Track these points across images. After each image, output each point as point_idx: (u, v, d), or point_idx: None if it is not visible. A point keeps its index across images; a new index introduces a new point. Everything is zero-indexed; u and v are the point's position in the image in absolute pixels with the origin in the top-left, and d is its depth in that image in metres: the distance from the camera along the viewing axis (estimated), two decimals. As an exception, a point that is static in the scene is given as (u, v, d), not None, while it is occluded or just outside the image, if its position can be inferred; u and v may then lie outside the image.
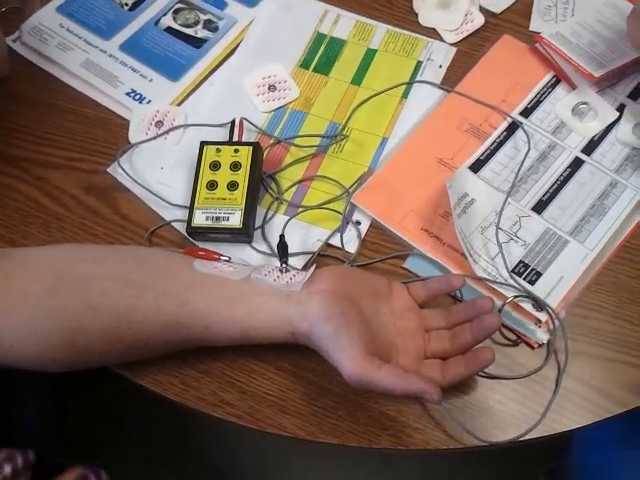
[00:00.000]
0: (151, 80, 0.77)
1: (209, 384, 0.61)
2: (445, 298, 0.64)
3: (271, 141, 0.73)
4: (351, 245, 0.67)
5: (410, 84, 0.76)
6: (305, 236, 0.68)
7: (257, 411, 0.60)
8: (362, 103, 0.75)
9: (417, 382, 0.53)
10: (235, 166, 0.67)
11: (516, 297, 0.62)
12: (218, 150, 0.68)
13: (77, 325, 0.55)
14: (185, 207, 0.68)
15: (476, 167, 0.70)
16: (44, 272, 0.56)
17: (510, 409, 0.60)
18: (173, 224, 0.69)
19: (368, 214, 0.68)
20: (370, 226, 0.68)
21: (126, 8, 0.82)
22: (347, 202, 0.68)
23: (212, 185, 0.67)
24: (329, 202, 0.69)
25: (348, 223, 0.68)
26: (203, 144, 0.69)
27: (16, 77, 0.78)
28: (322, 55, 0.79)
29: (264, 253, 0.67)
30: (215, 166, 0.67)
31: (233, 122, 0.72)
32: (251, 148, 0.68)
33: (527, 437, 0.59)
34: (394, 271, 0.66)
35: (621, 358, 0.61)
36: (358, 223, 0.68)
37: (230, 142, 0.70)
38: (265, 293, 0.57)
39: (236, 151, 0.68)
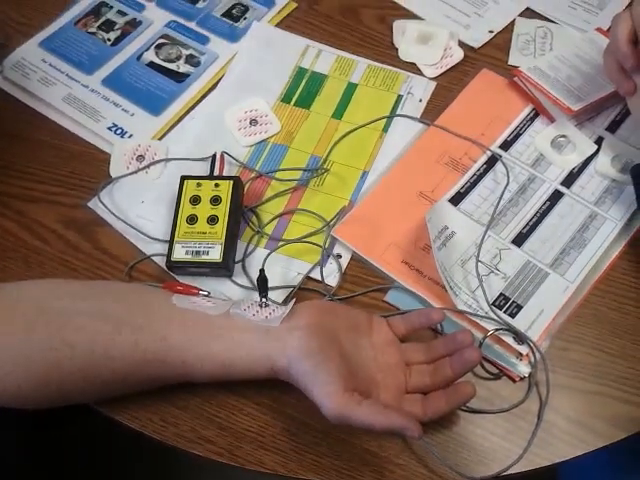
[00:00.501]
0: (133, 114, 0.78)
1: (188, 420, 0.61)
2: (426, 331, 0.64)
3: (252, 175, 0.74)
4: (332, 278, 0.67)
5: (390, 118, 0.77)
6: (286, 269, 0.68)
7: (237, 447, 0.60)
8: (343, 137, 0.76)
9: (397, 418, 0.52)
10: (215, 200, 0.67)
11: (497, 330, 0.62)
12: (199, 184, 0.68)
13: (54, 362, 0.54)
14: (165, 241, 0.67)
15: (456, 200, 0.71)
16: (22, 308, 0.56)
17: (492, 443, 0.59)
18: (153, 258, 0.69)
19: (349, 247, 0.68)
20: (351, 259, 0.68)
21: (109, 43, 0.83)
22: (327, 235, 0.68)
23: (192, 219, 0.66)
24: (310, 235, 0.69)
25: (329, 256, 0.68)
26: (183, 178, 0.69)
27: (-2, 111, 0.78)
28: (303, 89, 0.80)
29: (244, 287, 0.66)
30: (195, 200, 0.67)
31: (214, 156, 0.72)
32: (232, 182, 0.68)
33: (510, 472, 0.58)
34: (375, 304, 0.66)
35: (602, 391, 0.61)
36: (339, 256, 0.68)
37: (211, 176, 0.70)
38: (244, 329, 0.56)
39: (217, 185, 0.68)
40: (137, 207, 0.72)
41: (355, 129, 0.76)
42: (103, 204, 0.71)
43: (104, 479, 1.01)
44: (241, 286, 0.66)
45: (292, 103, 0.79)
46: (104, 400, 0.60)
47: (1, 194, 0.73)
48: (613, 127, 0.75)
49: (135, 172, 0.73)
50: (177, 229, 0.66)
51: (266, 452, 0.59)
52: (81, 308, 0.56)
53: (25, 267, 0.69)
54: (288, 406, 0.61)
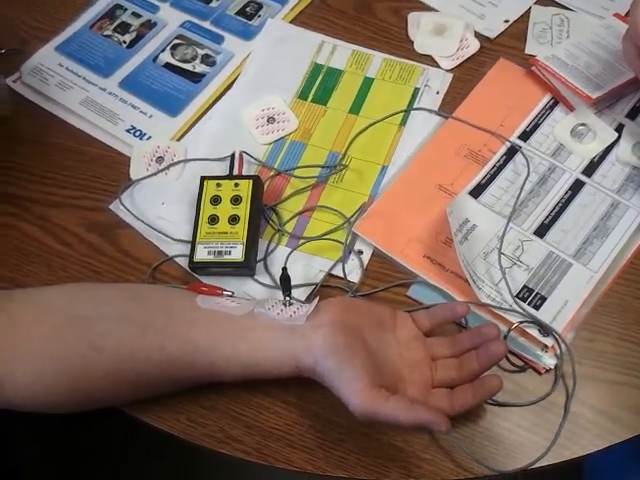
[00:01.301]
0: (151, 116, 0.78)
1: (215, 420, 0.61)
2: (450, 326, 0.64)
3: (271, 173, 0.74)
4: (354, 275, 0.67)
5: (408, 111, 0.77)
6: (307, 267, 0.68)
7: (264, 446, 0.60)
8: (360, 132, 0.76)
9: (425, 413, 0.52)
10: (236, 200, 0.67)
11: (521, 323, 0.62)
12: (218, 185, 0.68)
13: (82, 367, 0.55)
14: (187, 242, 0.68)
15: (476, 192, 0.70)
16: (47, 314, 0.56)
17: (519, 437, 0.59)
18: (176, 259, 0.69)
19: (370, 243, 0.68)
20: (372, 255, 0.68)
21: (124, 45, 0.83)
22: (348, 232, 0.68)
23: (213, 220, 0.67)
24: (330, 232, 0.69)
25: (350, 253, 0.68)
26: (203, 179, 0.69)
27: (17, 117, 0.79)
28: (320, 85, 0.80)
29: (267, 286, 0.67)
30: (216, 200, 0.68)
31: (233, 155, 0.72)
32: (251, 181, 0.68)
33: (537, 465, 0.58)
34: (398, 300, 0.66)
35: (629, 381, 0.61)
36: (360, 252, 0.68)
37: (230, 176, 0.70)
38: (269, 328, 0.57)
39: (236, 185, 0.68)
40: (158, 208, 0.72)
41: (373, 124, 0.76)
42: (124, 206, 0.72)
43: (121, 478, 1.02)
44: (264, 285, 0.67)
45: (309, 100, 0.79)
46: (132, 403, 0.61)
47: (23, 199, 0.74)
48: (633, 114, 0.74)
49: (155, 174, 0.74)
50: (199, 230, 0.66)
51: (294, 450, 0.60)
52: (106, 312, 0.57)
53: (49, 271, 0.69)
54: (314, 403, 0.61)
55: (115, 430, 0.90)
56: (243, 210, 0.67)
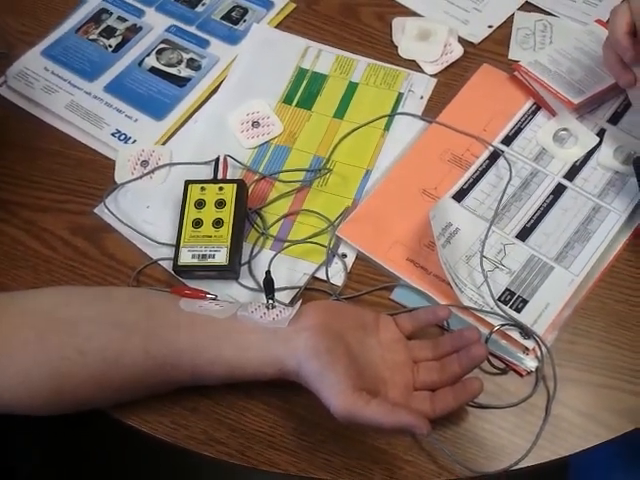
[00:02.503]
0: (136, 120, 0.78)
1: (199, 422, 0.61)
2: (433, 328, 0.64)
3: (256, 177, 0.74)
4: (337, 278, 0.67)
5: (392, 116, 0.77)
6: (291, 270, 0.68)
7: (248, 448, 0.60)
8: (345, 137, 0.76)
9: (405, 416, 0.53)
10: (220, 204, 0.68)
11: (503, 325, 0.63)
12: (203, 189, 0.69)
13: (66, 370, 0.55)
14: (172, 245, 0.68)
15: (459, 196, 0.71)
16: (32, 317, 0.56)
17: (501, 438, 0.60)
18: (160, 262, 0.69)
19: (354, 246, 0.69)
20: (356, 258, 0.69)
21: (110, 50, 0.83)
22: (332, 235, 0.69)
23: (197, 223, 0.67)
24: (315, 236, 0.70)
25: (334, 256, 0.68)
26: (188, 183, 0.69)
27: (2, 121, 0.79)
28: (304, 90, 0.80)
29: (251, 289, 0.67)
30: (200, 204, 0.68)
31: (217, 159, 0.72)
32: (235, 185, 0.69)
33: (519, 466, 0.58)
34: (381, 303, 0.66)
35: (610, 383, 0.61)
36: (344, 256, 0.69)
37: (214, 180, 0.70)
38: (252, 331, 0.57)
39: (220, 189, 0.68)
40: (143, 212, 0.72)
41: (357, 128, 0.77)
42: (109, 210, 0.72)
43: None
44: (248, 288, 0.67)
45: (294, 104, 0.79)
46: (116, 405, 0.61)
47: (9, 203, 0.74)
48: (615, 119, 0.75)
49: (140, 177, 0.74)
50: (183, 233, 0.67)
51: (277, 452, 0.60)
52: (90, 315, 0.57)
53: (34, 275, 0.70)
54: (298, 406, 0.61)
55: (114, 432, 0.90)
56: (227, 214, 0.67)
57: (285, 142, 0.77)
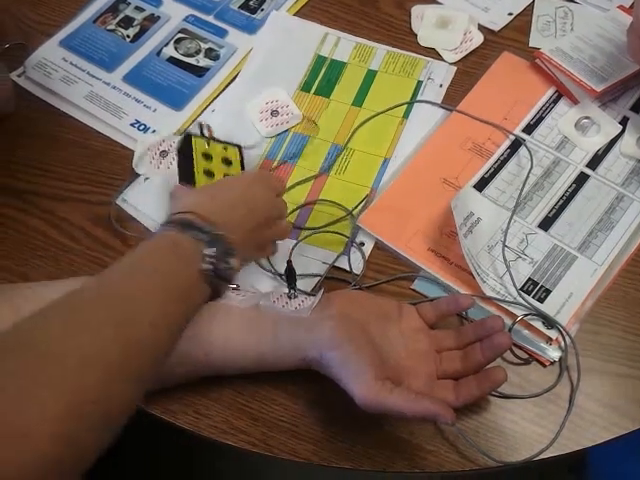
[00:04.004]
0: (155, 110, 0.78)
1: (221, 412, 0.61)
2: (454, 318, 0.64)
3: (274, 164, 0.74)
4: (355, 267, 0.67)
5: (411, 104, 0.77)
6: (309, 259, 0.68)
7: (270, 437, 0.60)
8: (362, 124, 0.76)
9: (429, 405, 0.52)
10: (226, 161, 0.67)
11: (526, 315, 0.62)
12: (208, 144, 0.68)
13: None
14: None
15: (481, 186, 0.70)
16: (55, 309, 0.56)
17: (524, 429, 0.59)
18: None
19: (372, 235, 0.68)
20: (374, 247, 0.68)
21: (128, 40, 0.83)
22: (353, 225, 0.68)
23: (209, 174, 0.66)
24: (332, 224, 0.69)
25: (352, 245, 0.68)
26: (189, 135, 0.68)
27: (21, 111, 0.79)
28: (323, 78, 0.80)
29: (270, 272, 0.66)
30: (208, 157, 0.67)
31: (201, 125, 0.71)
32: (237, 149, 0.69)
33: (542, 456, 0.58)
34: (402, 292, 0.66)
35: (634, 373, 0.61)
36: (362, 244, 0.68)
37: (217, 139, 0.70)
38: (274, 321, 0.57)
39: (225, 148, 0.68)
40: (163, 201, 0.72)
41: (375, 116, 0.76)
42: (129, 201, 0.72)
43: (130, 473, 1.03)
44: (267, 271, 0.67)
45: (312, 92, 0.79)
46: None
47: (29, 193, 0.74)
48: (638, 107, 0.74)
49: (158, 167, 0.74)
50: (196, 181, 0.65)
51: (299, 441, 0.60)
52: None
53: (55, 265, 0.70)
54: (320, 395, 0.61)
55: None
56: (236, 172, 0.67)
57: (303, 130, 0.76)
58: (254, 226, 0.56)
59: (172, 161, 0.74)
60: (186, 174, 0.65)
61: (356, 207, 0.70)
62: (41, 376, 0.36)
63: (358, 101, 0.78)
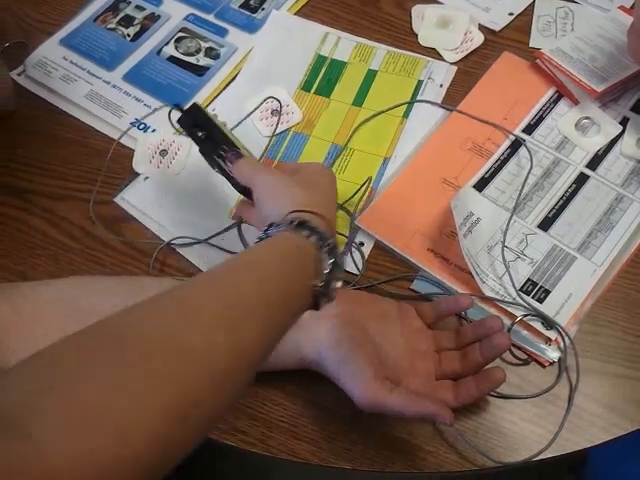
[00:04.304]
0: (155, 109, 0.78)
1: (220, 412, 0.61)
2: (453, 318, 0.64)
3: (274, 164, 0.74)
4: (354, 267, 0.67)
5: (411, 103, 0.77)
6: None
7: (269, 437, 0.60)
8: (363, 122, 0.76)
9: (428, 405, 0.53)
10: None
11: (525, 316, 0.62)
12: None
13: None
14: (191, 237, 0.68)
15: (480, 186, 0.70)
16: (53, 307, 0.56)
17: (523, 429, 0.59)
18: (180, 252, 0.69)
19: (371, 235, 0.68)
20: (373, 247, 0.68)
21: (128, 39, 0.83)
22: (352, 225, 0.68)
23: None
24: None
25: (352, 245, 0.68)
26: (196, 104, 0.64)
27: (21, 110, 0.79)
28: (323, 77, 0.80)
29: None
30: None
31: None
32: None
33: (540, 457, 0.58)
34: (400, 292, 0.66)
35: (633, 374, 0.61)
36: (361, 244, 0.68)
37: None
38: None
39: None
40: (162, 201, 0.72)
41: (375, 115, 0.76)
42: (128, 200, 0.72)
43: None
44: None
45: (312, 91, 0.79)
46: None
47: (28, 192, 0.74)
48: (638, 107, 0.74)
49: (158, 167, 0.74)
50: (237, 145, 0.61)
51: (298, 441, 0.60)
52: (112, 305, 0.57)
53: (54, 264, 0.70)
54: (318, 395, 0.61)
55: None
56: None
57: (303, 130, 0.76)
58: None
59: (172, 160, 0.74)
60: (219, 142, 0.61)
61: (353, 196, 0.70)
62: (144, 370, 0.34)
63: (358, 101, 0.78)
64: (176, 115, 0.63)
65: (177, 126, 0.64)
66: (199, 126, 0.62)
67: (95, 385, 0.33)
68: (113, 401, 0.33)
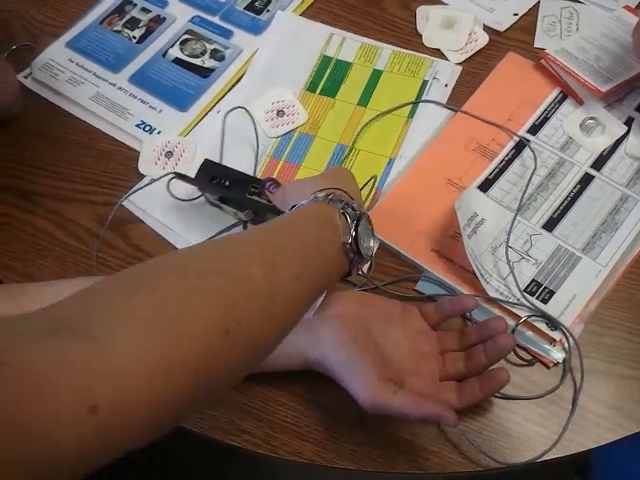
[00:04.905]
0: (160, 111, 0.78)
1: (225, 413, 0.62)
2: (457, 319, 0.64)
3: (279, 165, 0.74)
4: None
5: (416, 103, 0.77)
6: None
7: (273, 438, 0.60)
8: (369, 122, 0.76)
9: (432, 406, 0.53)
10: None
11: (529, 317, 0.62)
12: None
13: None
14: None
15: (485, 186, 0.70)
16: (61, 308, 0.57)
17: (527, 430, 0.59)
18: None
19: (377, 237, 0.68)
20: (379, 248, 0.68)
21: (134, 41, 0.83)
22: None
23: None
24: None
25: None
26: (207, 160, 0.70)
27: (28, 112, 0.80)
28: (328, 78, 0.80)
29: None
30: None
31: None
32: None
33: (545, 458, 0.58)
34: (405, 294, 0.66)
35: (638, 375, 0.61)
36: (367, 245, 0.68)
37: None
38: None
39: None
40: (167, 202, 0.72)
41: (379, 115, 0.76)
42: (134, 201, 0.72)
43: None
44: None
45: (317, 92, 0.79)
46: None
47: (34, 194, 0.75)
48: (643, 107, 0.74)
49: (164, 169, 0.74)
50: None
51: (303, 442, 0.60)
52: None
53: (61, 265, 0.70)
54: (323, 396, 0.61)
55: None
56: None
57: (309, 130, 0.76)
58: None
59: (177, 162, 0.74)
60: (248, 181, 0.67)
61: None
62: (194, 287, 0.39)
63: (363, 101, 0.78)
64: (177, 184, 0.70)
65: (181, 195, 0.71)
66: (218, 177, 0.66)
67: (152, 297, 0.37)
68: (168, 310, 0.36)
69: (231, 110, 0.78)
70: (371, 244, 0.54)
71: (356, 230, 0.51)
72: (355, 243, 0.51)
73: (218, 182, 0.66)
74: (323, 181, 0.57)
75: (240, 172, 0.68)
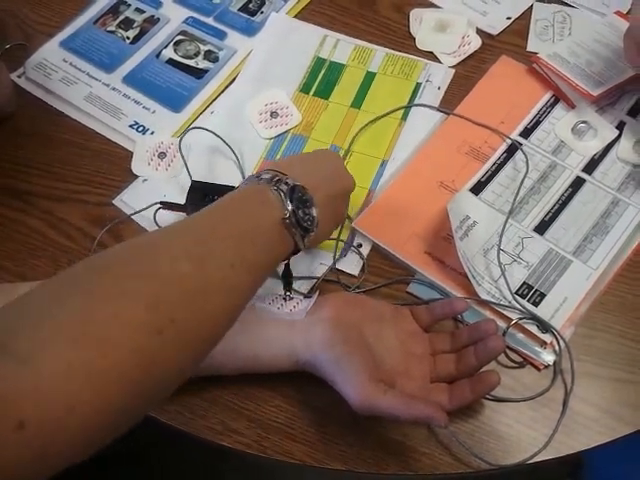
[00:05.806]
0: (154, 112, 0.78)
1: (217, 413, 0.61)
2: (449, 321, 0.64)
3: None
4: (352, 269, 0.67)
5: (409, 107, 0.77)
6: (305, 260, 0.68)
7: (264, 438, 0.60)
8: (363, 128, 0.76)
9: (423, 407, 0.53)
10: None
11: (520, 319, 0.62)
12: None
13: None
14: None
15: (477, 189, 0.71)
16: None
17: (517, 432, 0.59)
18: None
19: (370, 238, 0.68)
20: (371, 249, 0.68)
21: (128, 41, 0.83)
22: (349, 227, 0.69)
23: None
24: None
25: (350, 247, 0.68)
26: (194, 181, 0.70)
27: (21, 112, 0.79)
28: (322, 79, 0.80)
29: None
30: None
31: None
32: None
33: (535, 459, 0.58)
34: (398, 295, 0.66)
35: (628, 377, 0.61)
36: (359, 246, 0.69)
37: None
38: (269, 322, 0.57)
39: None
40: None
41: (374, 120, 0.76)
42: (127, 202, 0.72)
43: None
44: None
45: (311, 93, 0.79)
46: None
47: (27, 193, 0.74)
48: (635, 111, 0.74)
49: (157, 169, 0.74)
50: None
51: (294, 443, 0.60)
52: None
53: (53, 265, 0.70)
54: (314, 397, 0.61)
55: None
56: None
57: (302, 131, 0.77)
58: (336, 193, 0.58)
59: (170, 163, 0.74)
60: None
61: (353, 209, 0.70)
62: (118, 290, 0.38)
63: (357, 103, 0.78)
64: (160, 214, 0.69)
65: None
66: (210, 194, 0.67)
67: (76, 306, 0.36)
68: (93, 318, 0.36)
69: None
70: (314, 213, 0.53)
71: (292, 202, 0.50)
72: (294, 216, 0.50)
73: (210, 199, 0.65)
74: (283, 161, 0.57)
75: (228, 186, 0.68)
